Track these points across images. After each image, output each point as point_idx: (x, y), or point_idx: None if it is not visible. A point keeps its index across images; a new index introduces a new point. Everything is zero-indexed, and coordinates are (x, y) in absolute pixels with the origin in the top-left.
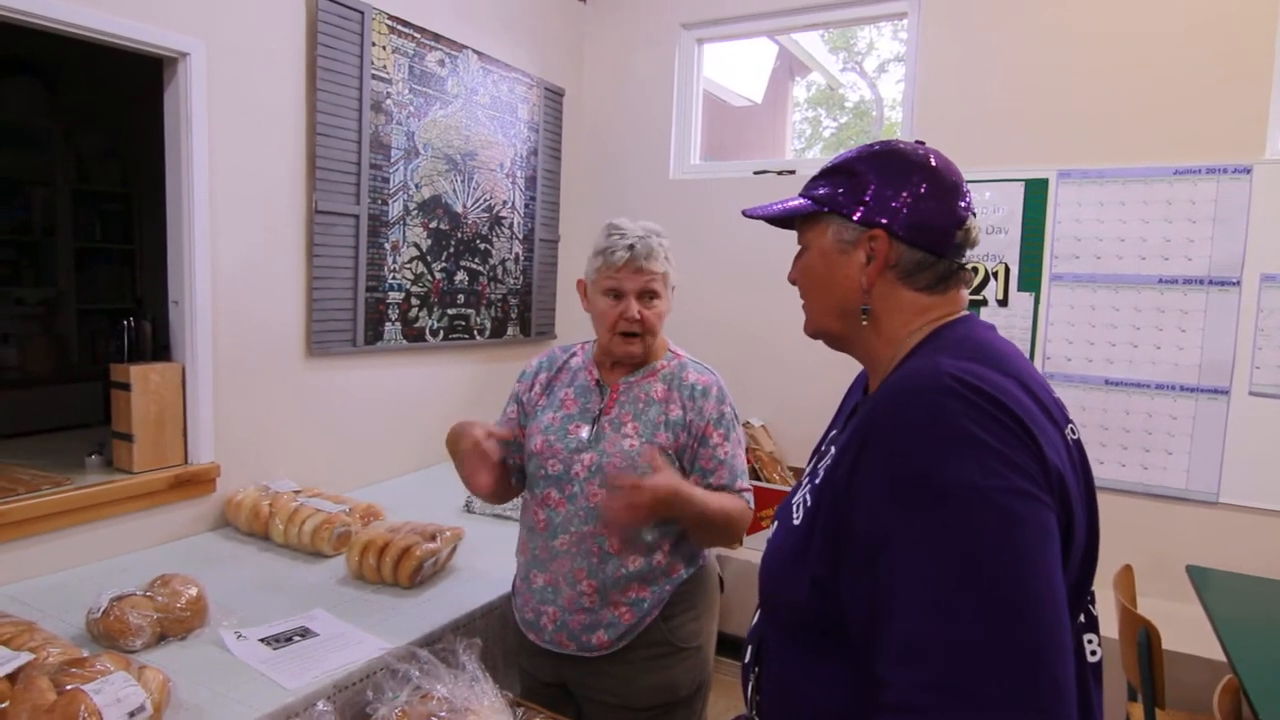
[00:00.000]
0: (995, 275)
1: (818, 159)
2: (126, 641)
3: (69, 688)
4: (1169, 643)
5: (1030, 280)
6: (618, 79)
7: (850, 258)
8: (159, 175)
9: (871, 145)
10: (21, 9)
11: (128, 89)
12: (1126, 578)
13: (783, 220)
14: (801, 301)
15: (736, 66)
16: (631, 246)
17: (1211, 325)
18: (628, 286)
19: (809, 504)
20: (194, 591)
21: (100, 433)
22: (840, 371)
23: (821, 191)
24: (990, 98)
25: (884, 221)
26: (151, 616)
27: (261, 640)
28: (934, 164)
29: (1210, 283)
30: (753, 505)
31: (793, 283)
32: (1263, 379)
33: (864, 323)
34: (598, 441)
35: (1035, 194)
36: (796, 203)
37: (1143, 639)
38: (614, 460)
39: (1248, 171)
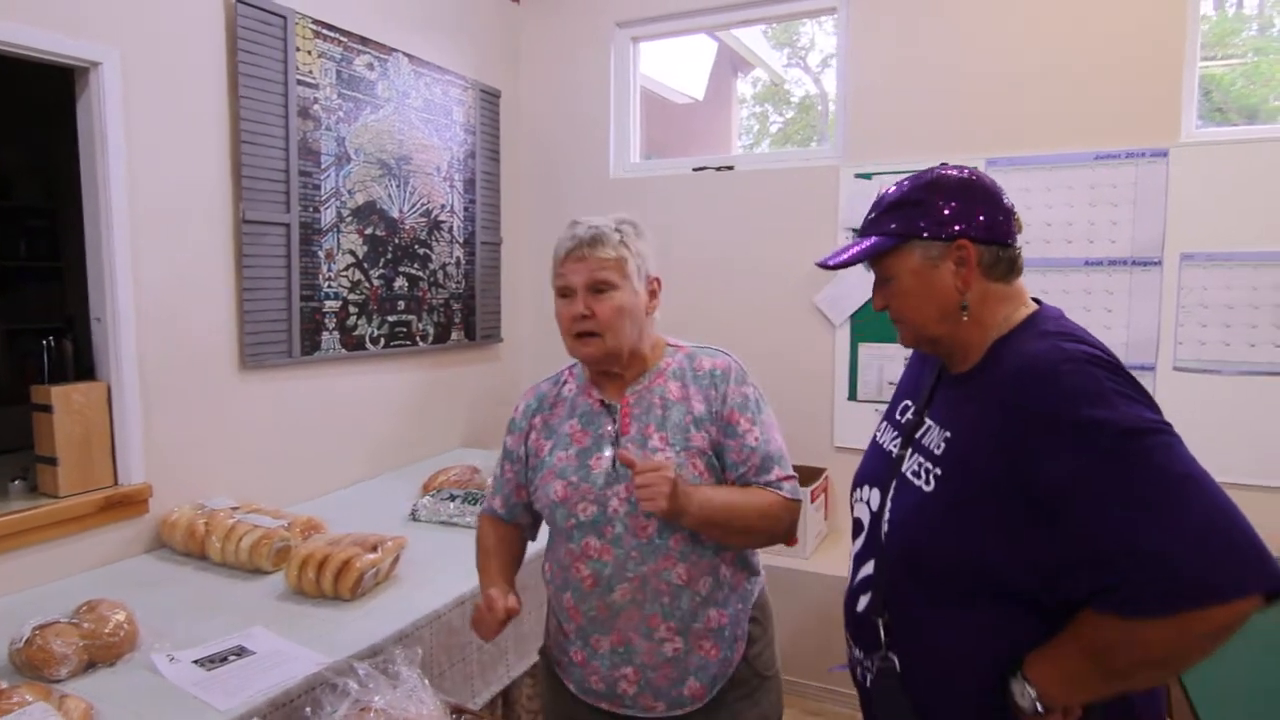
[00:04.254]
0: None
1: (763, 154)
2: (51, 671)
3: None
4: None
5: None
6: (554, 79)
7: (940, 269)
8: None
9: (920, 176)
10: None
11: (47, 100)
12: None
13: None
14: (897, 321)
15: (677, 64)
16: (576, 235)
17: (1136, 305)
18: (574, 280)
19: (942, 474)
20: (122, 615)
21: (26, 457)
22: (778, 361)
23: (894, 226)
24: (920, 90)
25: (967, 231)
26: (77, 644)
27: (195, 662)
28: (979, 179)
29: (1133, 263)
30: (798, 496)
31: (879, 310)
32: (1185, 354)
33: (964, 318)
34: (627, 470)
35: None
36: (875, 242)
37: None
38: None
39: (1164, 155)
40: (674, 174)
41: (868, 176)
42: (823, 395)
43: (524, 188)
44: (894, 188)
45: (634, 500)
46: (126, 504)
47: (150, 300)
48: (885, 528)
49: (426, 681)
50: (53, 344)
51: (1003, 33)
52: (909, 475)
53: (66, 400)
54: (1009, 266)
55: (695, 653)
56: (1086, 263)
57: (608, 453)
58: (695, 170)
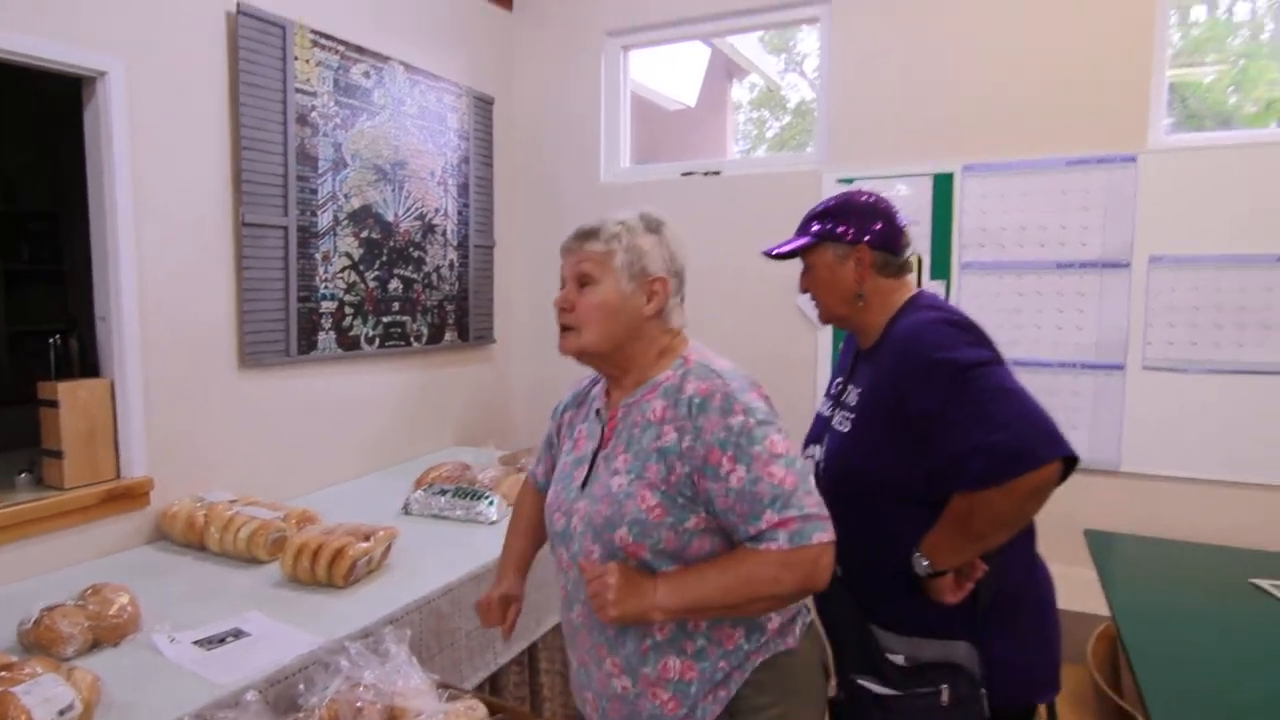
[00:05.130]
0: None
1: (748, 159)
2: (59, 649)
3: None
4: (1059, 602)
5: (941, 268)
6: (546, 87)
7: (845, 266)
8: (85, 193)
9: (839, 196)
10: None
11: (50, 107)
12: None
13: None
14: (815, 302)
15: (669, 70)
16: (577, 228)
17: (1106, 306)
18: (565, 272)
19: (855, 418)
20: (125, 598)
21: (32, 452)
22: (763, 362)
23: (816, 228)
24: (898, 97)
25: (866, 240)
26: (83, 624)
27: (194, 642)
28: (880, 202)
29: (1104, 266)
30: (801, 541)
31: (804, 291)
32: (1154, 353)
33: (860, 304)
34: (591, 485)
35: (943, 187)
36: (802, 240)
37: None
38: (600, 509)
39: (1133, 160)
40: (663, 179)
41: (849, 181)
42: (805, 395)
43: (516, 192)
44: (820, 204)
45: (589, 520)
46: (129, 496)
47: (153, 300)
48: (822, 465)
49: (414, 659)
50: (59, 342)
51: (979, 42)
52: (835, 425)
53: (72, 396)
54: (898, 269)
55: (647, 698)
56: (1058, 265)
57: (586, 467)
58: (683, 175)
